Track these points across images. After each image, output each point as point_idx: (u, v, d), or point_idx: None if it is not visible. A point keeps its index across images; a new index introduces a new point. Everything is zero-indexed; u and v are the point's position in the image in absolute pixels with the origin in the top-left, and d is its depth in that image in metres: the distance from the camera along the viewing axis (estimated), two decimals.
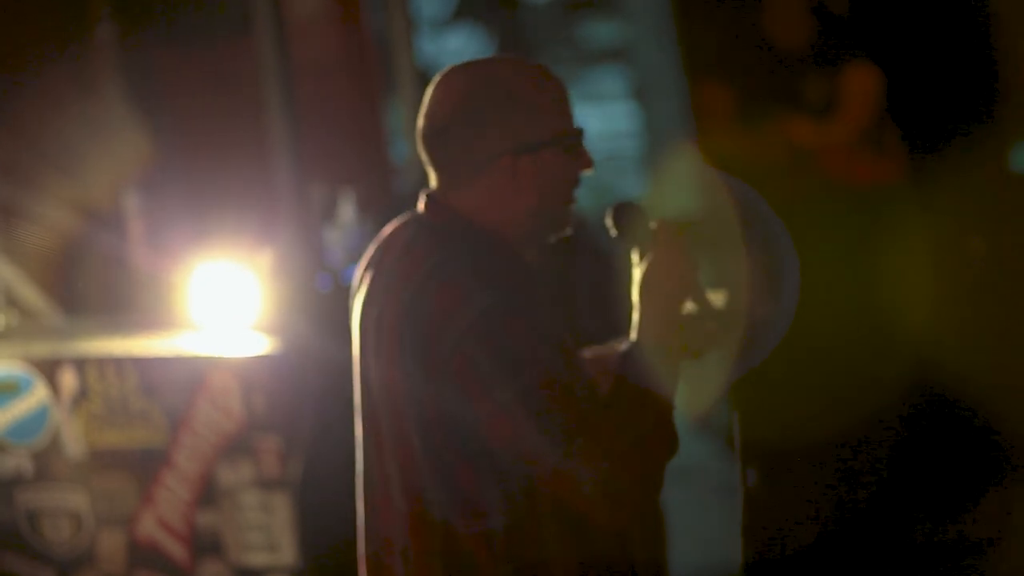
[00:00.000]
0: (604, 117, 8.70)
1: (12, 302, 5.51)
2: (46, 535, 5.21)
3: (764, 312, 2.76)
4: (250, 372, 4.91)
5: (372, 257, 2.79)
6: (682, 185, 6.21)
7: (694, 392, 2.84)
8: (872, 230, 5.77)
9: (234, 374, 4.91)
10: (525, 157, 2.66)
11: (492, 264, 2.63)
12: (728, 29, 6.08)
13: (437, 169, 2.72)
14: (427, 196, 2.74)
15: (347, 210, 5.61)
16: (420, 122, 2.72)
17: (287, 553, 4.91)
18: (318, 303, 5.06)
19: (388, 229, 2.79)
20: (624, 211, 2.69)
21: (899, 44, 5.92)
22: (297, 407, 4.85)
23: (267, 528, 4.92)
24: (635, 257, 2.69)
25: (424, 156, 2.73)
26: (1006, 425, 5.61)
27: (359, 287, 2.79)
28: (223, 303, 5.11)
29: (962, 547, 5.57)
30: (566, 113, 2.71)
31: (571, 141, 2.70)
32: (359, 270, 2.80)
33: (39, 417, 5.17)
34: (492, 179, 2.66)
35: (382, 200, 6.19)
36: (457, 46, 8.88)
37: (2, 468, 5.24)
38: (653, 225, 2.68)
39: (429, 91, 2.72)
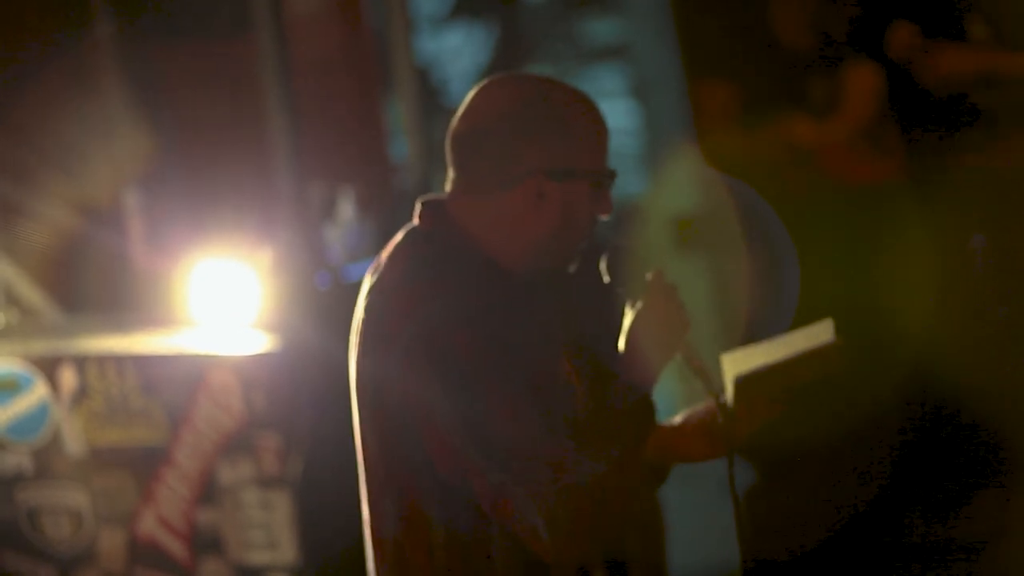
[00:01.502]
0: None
1: (12, 300, 5.51)
2: (47, 533, 5.21)
3: (763, 311, 2.73)
4: (250, 370, 4.91)
5: (374, 266, 2.71)
6: (682, 184, 6.21)
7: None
8: (872, 229, 5.77)
9: (234, 372, 4.92)
10: (554, 183, 2.58)
11: (463, 273, 2.55)
12: (728, 27, 6.07)
13: (461, 172, 2.63)
14: (422, 203, 2.67)
15: (346, 208, 5.62)
16: (456, 123, 2.64)
17: (287, 551, 4.91)
18: (318, 301, 5.06)
19: (395, 237, 2.71)
20: (619, 257, 2.61)
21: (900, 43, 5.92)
22: (297, 405, 4.86)
23: (267, 526, 4.92)
24: (627, 303, 2.62)
25: (451, 156, 2.64)
26: (1004, 425, 5.61)
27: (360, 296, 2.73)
28: (223, 301, 5.11)
29: (959, 548, 5.57)
30: (604, 151, 2.63)
31: (603, 180, 2.62)
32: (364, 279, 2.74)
33: (39, 415, 5.17)
34: (516, 196, 2.58)
35: (381, 198, 6.19)
36: (456, 44, 8.88)
37: (2, 466, 5.24)
38: (648, 275, 2.60)
39: (472, 94, 2.64)
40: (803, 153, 5.86)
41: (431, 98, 8.06)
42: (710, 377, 2.61)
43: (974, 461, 5.75)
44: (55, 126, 6.15)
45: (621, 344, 2.58)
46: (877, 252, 5.73)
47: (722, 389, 2.59)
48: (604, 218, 2.63)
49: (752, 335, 3.26)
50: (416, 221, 2.66)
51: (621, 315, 2.61)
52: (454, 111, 2.69)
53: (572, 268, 2.64)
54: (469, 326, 2.48)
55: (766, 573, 5.44)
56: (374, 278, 2.65)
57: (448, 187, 2.65)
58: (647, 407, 2.55)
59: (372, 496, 2.61)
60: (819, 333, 2.63)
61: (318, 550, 4.91)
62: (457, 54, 8.83)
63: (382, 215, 5.85)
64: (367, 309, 2.60)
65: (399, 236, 2.67)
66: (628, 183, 8.21)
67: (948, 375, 5.57)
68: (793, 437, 5.40)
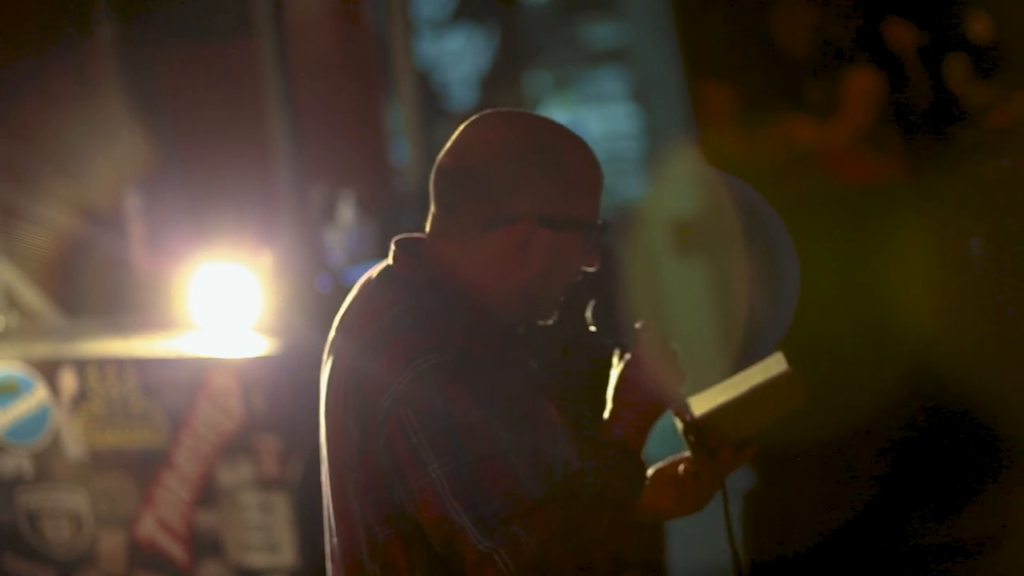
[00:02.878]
0: (604, 118, 8.70)
1: (13, 303, 5.51)
2: (46, 535, 5.21)
3: (764, 312, 2.69)
4: (250, 373, 4.91)
5: (342, 310, 2.55)
6: (682, 187, 6.21)
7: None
8: (872, 230, 5.77)
9: (234, 375, 4.92)
10: (545, 230, 2.42)
11: (449, 323, 2.39)
12: (728, 30, 6.08)
13: (444, 210, 2.46)
14: (396, 243, 2.50)
15: (347, 211, 5.62)
16: (444, 157, 2.47)
17: (287, 553, 4.91)
18: (318, 304, 5.06)
19: (362, 279, 2.55)
20: (605, 309, 2.47)
21: (900, 46, 5.92)
22: (297, 407, 4.85)
23: (267, 528, 4.92)
24: (615, 356, 2.48)
25: (436, 192, 2.47)
26: (1005, 426, 5.61)
27: (327, 343, 2.55)
28: (223, 304, 5.11)
29: (960, 550, 5.57)
30: (597, 202, 2.47)
31: (594, 232, 2.46)
32: (333, 325, 2.57)
33: (39, 418, 5.17)
34: (503, 239, 2.42)
35: (382, 201, 6.19)
36: (457, 47, 8.88)
37: (2, 469, 5.24)
38: (638, 325, 2.45)
39: (464, 127, 2.48)
40: (803, 155, 5.87)
41: (432, 101, 8.06)
42: (699, 432, 2.48)
43: (974, 461, 5.75)
44: (56, 129, 6.15)
45: (608, 398, 2.45)
46: (877, 253, 5.73)
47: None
48: (591, 270, 2.48)
49: (752, 337, 3.25)
50: (392, 263, 2.50)
51: (608, 368, 2.48)
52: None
53: (550, 320, 2.50)
54: (457, 380, 2.33)
55: (767, 574, 5.44)
56: (348, 325, 2.49)
57: (429, 226, 2.50)
58: (636, 467, 2.41)
59: (350, 554, 2.45)
60: (772, 366, 2.53)
61: (317, 552, 4.91)
62: (458, 57, 8.83)
63: (383, 218, 5.85)
64: (348, 362, 2.44)
65: (374, 280, 2.51)
66: (629, 186, 8.21)
67: (947, 377, 5.58)
68: (794, 438, 5.42)
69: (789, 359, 2.52)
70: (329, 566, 2.54)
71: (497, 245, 2.44)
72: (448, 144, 2.49)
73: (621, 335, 2.46)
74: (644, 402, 2.43)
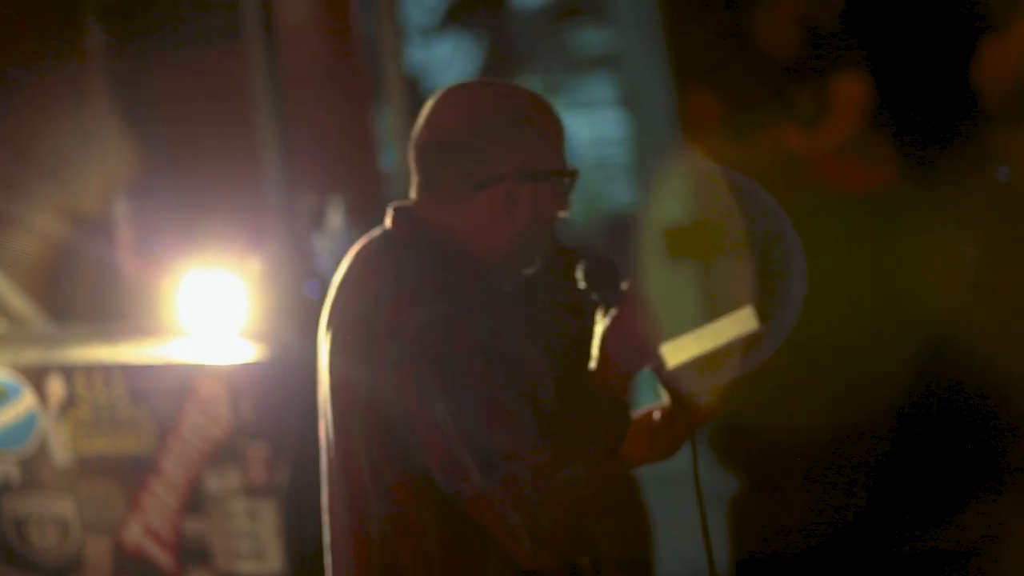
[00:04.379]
0: (593, 124, 8.69)
1: (0, 309, 5.50)
2: (33, 542, 5.20)
3: (764, 315, 2.75)
4: (238, 379, 4.91)
5: (341, 271, 2.73)
6: (672, 193, 6.20)
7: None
8: (863, 237, 5.77)
9: (222, 381, 4.91)
10: (525, 186, 2.62)
11: (450, 276, 2.58)
12: (717, 36, 6.09)
13: (427, 181, 2.65)
14: (394, 210, 2.68)
15: (336, 217, 5.61)
16: (419, 131, 2.65)
17: (274, 560, 4.91)
18: (307, 310, 5.05)
19: (360, 242, 2.73)
20: (597, 267, 2.65)
21: (889, 50, 5.92)
22: (285, 414, 4.85)
23: (254, 535, 4.91)
24: (601, 312, 2.65)
25: (415, 166, 2.66)
26: (1002, 433, 5.62)
27: (327, 301, 2.73)
28: (212, 310, 5.11)
29: (956, 553, 5.57)
30: (564, 150, 2.68)
31: (567, 180, 2.67)
32: (331, 285, 2.75)
33: (27, 424, 5.17)
34: (485, 201, 2.61)
35: (371, 208, 6.18)
36: (446, 53, 8.88)
37: None
38: (624, 286, 2.64)
39: (433, 102, 2.66)
40: (792, 162, 5.87)
41: (421, 107, 8.05)
42: (679, 391, 2.68)
43: (971, 468, 5.75)
44: (44, 135, 6.15)
45: (594, 349, 2.61)
46: (869, 260, 5.73)
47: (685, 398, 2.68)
48: (564, 215, 2.68)
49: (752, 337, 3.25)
50: (391, 227, 2.68)
51: (593, 322, 2.65)
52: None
53: (532, 269, 2.68)
54: (464, 328, 2.50)
55: None
56: (351, 284, 2.66)
57: (415, 196, 2.68)
58: (622, 412, 2.57)
59: (357, 500, 2.60)
60: (743, 319, 2.73)
61: (305, 560, 4.91)
62: (447, 64, 8.83)
63: (372, 224, 5.84)
64: (354, 314, 2.60)
65: (375, 242, 2.69)
66: (618, 192, 8.22)
67: (942, 382, 5.58)
68: (790, 442, 5.42)
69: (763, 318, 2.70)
70: (326, 518, 2.69)
71: (485, 206, 2.62)
72: (421, 120, 2.66)
73: (608, 293, 2.63)
74: (628, 354, 2.60)
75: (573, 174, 2.67)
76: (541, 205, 2.64)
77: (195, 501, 4.96)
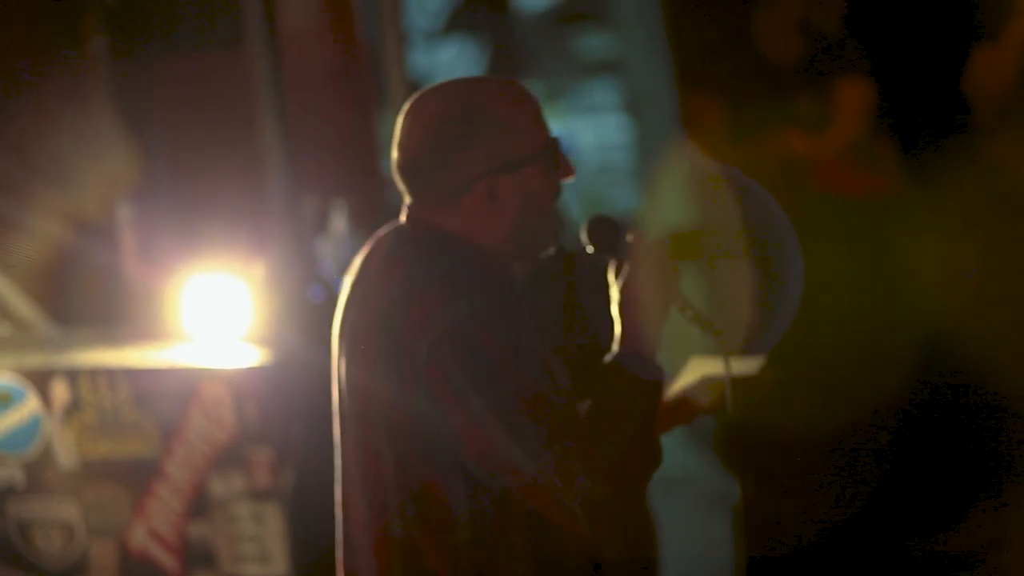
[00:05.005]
0: (597, 129, 8.71)
1: (5, 313, 5.51)
2: (38, 546, 5.21)
3: (764, 316, 2.78)
4: (242, 383, 4.91)
5: (355, 269, 2.76)
6: (675, 198, 6.20)
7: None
8: (865, 240, 5.78)
9: (226, 385, 4.92)
10: (504, 177, 2.63)
11: (470, 275, 2.60)
12: (720, 41, 6.09)
13: (415, 195, 2.68)
14: (408, 208, 2.71)
15: (339, 221, 5.62)
16: (394, 153, 2.69)
17: (279, 564, 4.91)
18: (310, 314, 5.06)
19: (372, 240, 2.77)
20: (599, 225, 2.66)
21: (892, 54, 5.93)
22: (289, 418, 4.86)
23: (259, 539, 4.92)
24: (612, 272, 2.68)
25: (401, 184, 2.70)
26: (1003, 434, 5.62)
27: (342, 299, 2.76)
28: (215, 314, 5.11)
29: (959, 555, 5.57)
30: (541, 126, 2.67)
31: (549, 153, 2.66)
32: (344, 283, 2.78)
33: (31, 428, 5.17)
34: (471, 203, 2.63)
35: (374, 212, 6.20)
36: (449, 58, 8.89)
37: None
38: (629, 238, 2.65)
39: (400, 120, 2.68)
40: (795, 167, 5.87)
41: None
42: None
43: (973, 472, 5.75)
44: (48, 140, 6.16)
45: (614, 313, 2.63)
46: (871, 265, 5.74)
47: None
48: (570, 179, 2.68)
49: (748, 347, 3.26)
50: (406, 225, 2.70)
51: (607, 285, 2.67)
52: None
53: (552, 249, 2.70)
54: (487, 324, 2.53)
55: None
56: (367, 283, 2.68)
57: (411, 205, 2.70)
58: (656, 372, 2.60)
59: (378, 498, 2.62)
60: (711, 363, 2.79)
61: (310, 563, 4.91)
62: (451, 68, 8.84)
63: (375, 228, 5.84)
64: (374, 315, 2.62)
65: (388, 241, 2.71)
66: (621, 197, 8.22)
67: (942, 387, 5.58)
68: (790, 444, 5.42)
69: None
70: (340, 516, 2.71)
71: (470, 207, 2.64)
72: (395, 139, 2.69)
73: (615, 248, 2.65)
74: (648, 307, 2.62)
75: (552, 144, 2.66)
76: (529, 188, 2.64)
77: (199, 505, 4.97)
